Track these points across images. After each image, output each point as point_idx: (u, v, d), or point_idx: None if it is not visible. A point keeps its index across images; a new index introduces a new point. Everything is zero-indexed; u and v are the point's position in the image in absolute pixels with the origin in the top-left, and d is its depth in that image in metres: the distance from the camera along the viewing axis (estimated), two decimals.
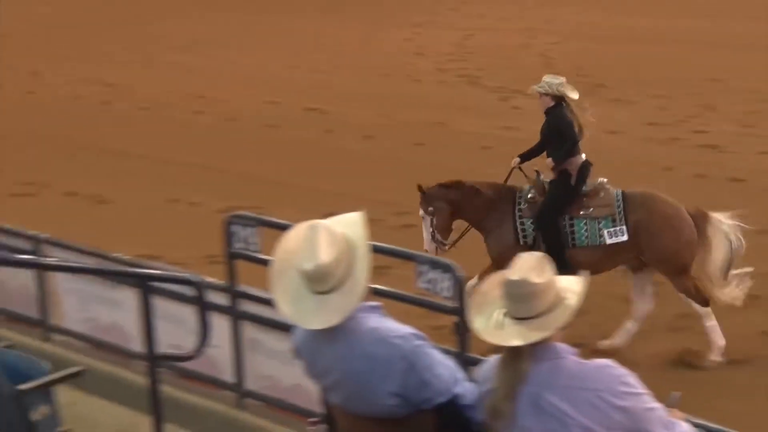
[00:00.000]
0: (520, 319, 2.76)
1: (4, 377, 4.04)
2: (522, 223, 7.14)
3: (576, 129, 7.12)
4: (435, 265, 4.90)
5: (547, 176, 7.29)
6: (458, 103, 14.50)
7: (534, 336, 2.74)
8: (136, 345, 5.82)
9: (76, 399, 4.97)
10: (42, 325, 6.38)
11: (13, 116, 13.85)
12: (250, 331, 5.53)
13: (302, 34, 19.57)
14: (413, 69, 16.76)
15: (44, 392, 4.07)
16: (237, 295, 5.53)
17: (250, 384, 5.57)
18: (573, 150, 7.14)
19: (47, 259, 6.00)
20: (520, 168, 7.35)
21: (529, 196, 7.18)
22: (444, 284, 4.80)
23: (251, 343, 5.55)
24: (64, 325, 6.44)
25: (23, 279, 6.42)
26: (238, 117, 14.06)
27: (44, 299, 6.37)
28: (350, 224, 2.95)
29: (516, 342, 2.74)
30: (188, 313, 5.48)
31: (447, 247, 7.28)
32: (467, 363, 4.23)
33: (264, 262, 5.63)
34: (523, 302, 2.75)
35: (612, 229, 6.99)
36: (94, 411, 5.19)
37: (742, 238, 7.01)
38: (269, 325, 5.31)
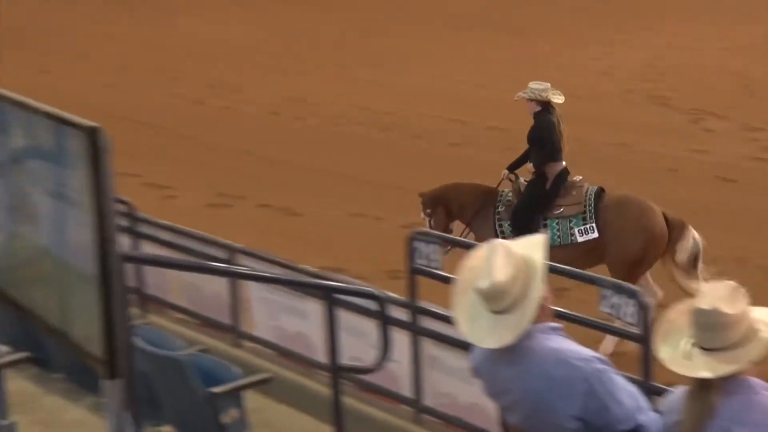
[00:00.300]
0: (709, 350, 2.68)
1: (199, 380, 4.27)
2: (500, 225, 7.43)
3: (557, 135, 7.36)
4: (619, 289, 4.81)
5: (526, 179, 7.57)
6: (645, 124, 14.12)
7: (724, 369, 2.65)
8: (320, 355, 6.00)
9: (264, 405, 5.16)
10: (234, 332, 6.66)
11: (215, 131, 14.57)
12: (429, 347, 5.59)
13: (491, 53, 19.60)
14: (600, 89, 16.46)
15: (235, 396, 4.27)
16: (418, 311, 5.60)
17: (428, 400, 5.63)
18: (554, 155, 7.37)
19: (240, 267, 6.28)
20: (510, 179, 7.65)
21: (507, 198, 7.50)
22: (628, 309, 4.70)
23: (430, 360, 5.61)
24: (254, 332, 6.71)
25: (218, 286, 6.74)
26: (423, 135, 14.23)
27: (236, 306, 6.66)
28: (531, 246, 2.97)
29: (705, 374, 2.66)
30: (369, 327, 5.60)
31: (448, 249, 7.60)
32: (651, 392, 4.13)
33: (445, 279, 5.71)
34: (713, 332, 2.67)
35: (582, 227, 7.17)
36: (279, 418, 5.37)
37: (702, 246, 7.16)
38: (449, 343, 5.35)
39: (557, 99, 7.40)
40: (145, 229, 7.03)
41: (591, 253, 7.21)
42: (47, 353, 4.76)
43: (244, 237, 7.63)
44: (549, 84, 7.48)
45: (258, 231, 9.97)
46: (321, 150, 13.59)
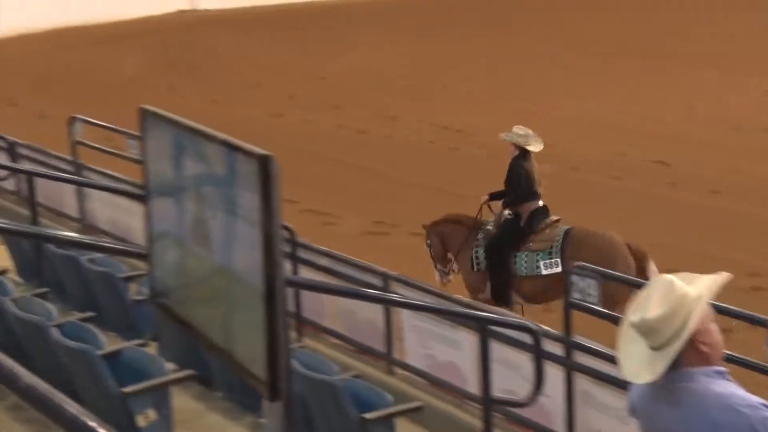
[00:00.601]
0: None
1: (352, 405, 4.35)
2: (476, 252, 7.99)
3: (529, 179, 7.90)
4: None
5: (510, 214, 8.06)
6: None
7: None
8: (471, 386, 5.99)
9: None
10: (386, 358, 6.73)
11: (374, 159, 14.82)
12: (583, 383, 5.49)
13: (652, 83, 19.16)
14: (766, 120, 15.81)
15: (386, 423, 4.32)
16: (572, 346, 5.52)
17: None
18: (526, 197, 7.93)
19: (394, 295, 6.35)
20: (488, 205, 8.17)
21: (487, 228, 8.04)
22: None
23: (584, 396, 5.51)
24: (406, 360, 6.76)
25: (372, 313, 6.83)
26: (581, 166, 14.02)
27: (389, 334, 6.73)
28: (701, 283, 2.88)
29: None
30: (522, 360, 5.56)
31: (448, 276, 8.25)
32: None
33: (601, 315, 5.60)
34: None
35: (547, 261, 7.70)
36: None
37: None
38: (603, 380, 5.25)
39: (533, 147, 7.92)
40: (304, 254, 7.22)
41: (557, 286, 7.56)
42: (210, 372, 4.94)
43: (397, 264, 7.71)
44: (531, 131, 7.98)
45: (411, 259, 10.04)
46: (475, 180, 13.55)
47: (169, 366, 4.62)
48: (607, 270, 5.91)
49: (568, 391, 5.51)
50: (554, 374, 5.38)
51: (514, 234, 7.88)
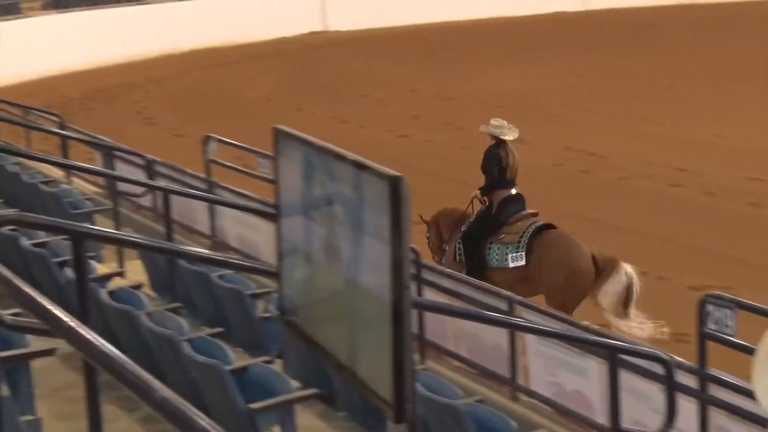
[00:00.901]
0: None
1: (475, 430, 4.29)
2: (459, 245, 8.18)
3: (501, 167, 8.15)
4: None
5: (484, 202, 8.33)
6: None
7: None
8: (598, 415, 5.83)
9: None
10: (510, 384, 6.63)
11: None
12: (718, 418, 5.27)
13: None
14: None
15: None
16: (707, 379, 5.31)
17: None
18: (498, 184, 8.18)
19: (519, 320, 6.25)
20: (479, 199, 8.33)
21: (469, 221, 8.26)
22: None
23: (719, 431, 5.29)
24: (531, 386, 6.64)
25: (496, 337, 6.75)
26: (718, 192, 13.57)
27: (514, 359, 6.63)
28: None
29: None
30: (653, 390, 5.38)
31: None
32: None
33: (738, 347, 5.36)
34: None
35: (514, 254, 7.89)
36: None
37: (637, 282, 7.72)
38: (740, 415, 5.02)
39: (508, 136, 8.27)
40: (428, 276, 7.20)
41: (523, 281, 7.90)
42: (333, 391, 4.96)
43: None
44: (505, 122, 8.36)
45: None
46: (606, 203, 13.32)
47: (294, 384, 4.65)
48: (741, 299, 5.67)
49: (702, 425, 5.30)
50: (687, 407, 5.19)
51: (488, 223, 8.10)
